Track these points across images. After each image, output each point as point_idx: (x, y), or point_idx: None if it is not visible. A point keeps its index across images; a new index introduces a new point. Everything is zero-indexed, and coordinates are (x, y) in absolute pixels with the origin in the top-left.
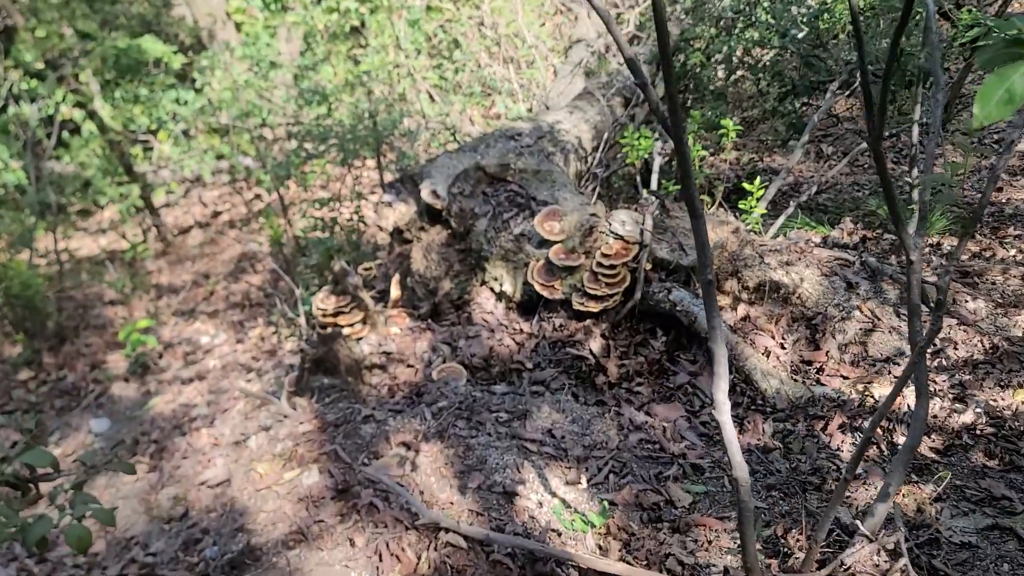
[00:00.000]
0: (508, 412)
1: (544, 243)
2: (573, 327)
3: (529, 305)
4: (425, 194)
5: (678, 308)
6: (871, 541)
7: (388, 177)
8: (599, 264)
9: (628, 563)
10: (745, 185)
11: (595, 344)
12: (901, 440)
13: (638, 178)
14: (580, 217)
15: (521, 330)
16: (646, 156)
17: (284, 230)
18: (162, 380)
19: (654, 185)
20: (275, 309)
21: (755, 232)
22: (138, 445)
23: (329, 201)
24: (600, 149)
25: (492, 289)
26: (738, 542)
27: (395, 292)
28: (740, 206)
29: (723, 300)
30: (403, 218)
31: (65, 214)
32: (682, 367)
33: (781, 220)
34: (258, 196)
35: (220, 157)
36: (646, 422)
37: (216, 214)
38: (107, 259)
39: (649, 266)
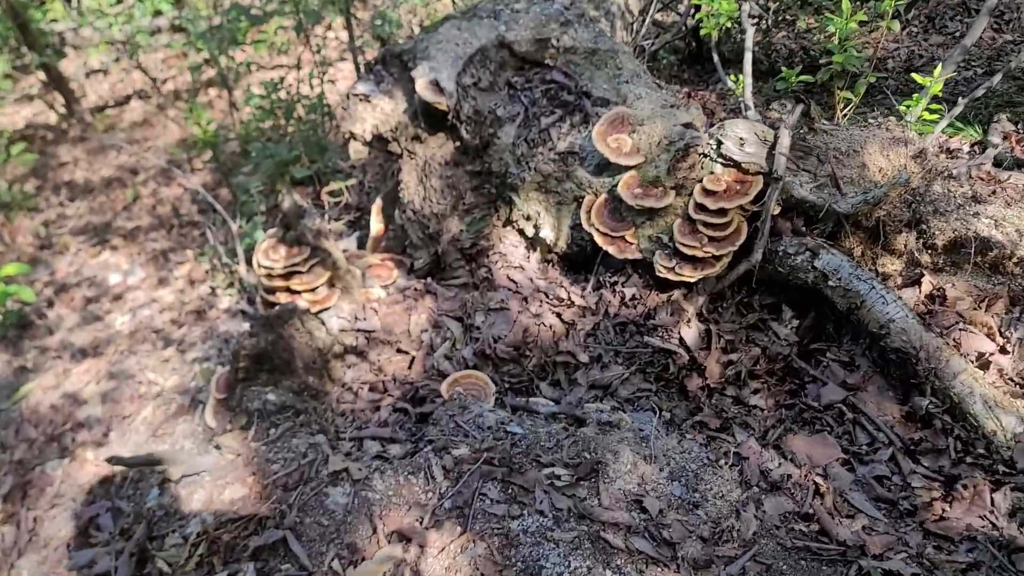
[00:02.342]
0: (568, 464)
1: (606, 167)
2: (652, 300)
3: (580, 259)
4: (422, 86)
5: (831, 282)
6: None
7: (367, 54)
8: (699, 207)
9: None
10: (917, 77)
11: (688, 331)
12: None
13: (714, 55)
14: (666, 128)
15: (569, 301)
16: (727, 24)
17: (227, 120)
18: (46, 348)
19: (747, 69)
20: (209, 243)
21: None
22: None
23: (276, 87)
24: (648, 12)
25: (522, 232)
26: None
27: (376, 225)
28: (903, 108)
29: (892, 264)
30: (387, 120)
31: None
32: (830, 374)
33: (944, 124)
34: (207, 61)
35: (158, 13)
36: (785, 475)
37: (160, 82)
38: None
39: (777, 210)
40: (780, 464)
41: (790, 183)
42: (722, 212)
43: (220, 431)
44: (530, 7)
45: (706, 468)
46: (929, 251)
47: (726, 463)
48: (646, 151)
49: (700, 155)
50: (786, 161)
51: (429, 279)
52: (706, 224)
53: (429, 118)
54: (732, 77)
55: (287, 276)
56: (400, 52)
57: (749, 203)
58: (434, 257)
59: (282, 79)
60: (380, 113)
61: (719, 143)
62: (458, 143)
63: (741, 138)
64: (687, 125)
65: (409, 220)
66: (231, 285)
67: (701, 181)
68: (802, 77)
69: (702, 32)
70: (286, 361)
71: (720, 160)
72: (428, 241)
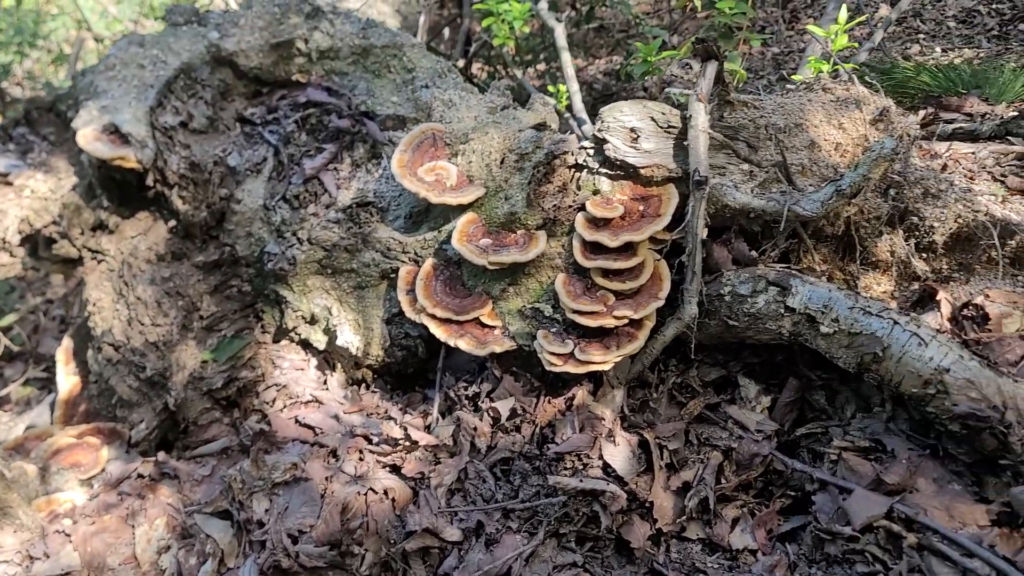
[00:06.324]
0: None
1: (425, 216)
2: (544, 412)
3: (409, 368)
4: (89, 137)
5: (823, 327)
6: None
7: None
8: (591, 247)
9: None
10: (814, 28)
11: (615, 451)
12: None
13: (516, 71)
14: (506, 137)
15: (408, 440)
16: (520, 29)
17: None
18: None
19: (569, 72)
20: None
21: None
22: None
23: None
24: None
25: (307, 344)
26: None
27: (67, 380)
28: (813, 66)
29: (878, 284)
30: (46, 208)
31: None
32: (847, 472)
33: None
34: None
35: None
36: None
37: None
38: None
39: (705, 232)
40: None
41: (720, 187)
42: (628, 249)
43: None
44: (253, 3)
45: None
46: (926, 254)
47: None
48: (483, 178)
49: (572, 167)
50: (706, 154)
51: (162, 453)
52: (607, 272)
53: (116, 189)
54: (551, 88)
55: None
56: (53, 102)
57: (665, 229)
58: (164, 415)
59: None
60: (32, 199)
61: (600, 143)
62: (173, 222)
63: (632, 128)
64: (539, 127)
65: (110, 362)
66: None
67: (583, 208)
68: (666, 53)
69: (495, 42)
70: None
71: (606, 170)
72: (148, 390)
